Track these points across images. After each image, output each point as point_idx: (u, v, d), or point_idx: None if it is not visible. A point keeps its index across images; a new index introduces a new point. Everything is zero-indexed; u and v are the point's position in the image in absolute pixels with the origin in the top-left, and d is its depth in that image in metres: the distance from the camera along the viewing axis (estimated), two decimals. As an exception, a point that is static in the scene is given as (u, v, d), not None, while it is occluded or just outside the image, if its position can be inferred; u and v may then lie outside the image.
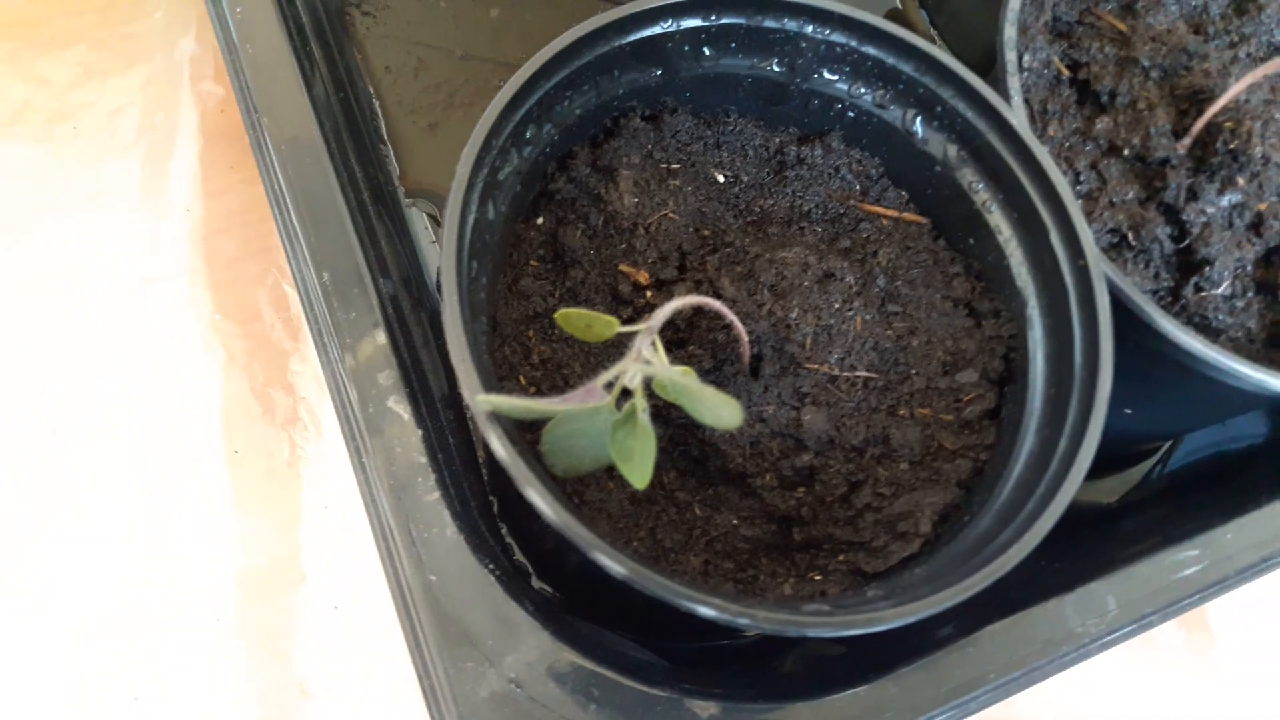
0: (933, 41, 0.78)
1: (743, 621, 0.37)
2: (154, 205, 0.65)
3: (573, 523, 0.37)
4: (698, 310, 0.47)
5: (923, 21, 0.80)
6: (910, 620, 0.38)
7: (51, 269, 0.63)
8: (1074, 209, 0.45)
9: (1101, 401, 0.42)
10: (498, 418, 0.38)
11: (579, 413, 0.39)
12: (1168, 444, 0.67)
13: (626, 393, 0.39)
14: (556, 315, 0.40)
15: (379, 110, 0.70)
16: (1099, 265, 0.44)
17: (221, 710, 0.54)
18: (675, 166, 0.52)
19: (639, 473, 0.38)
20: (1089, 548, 0.55)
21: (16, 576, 0.55)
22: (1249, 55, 0.56)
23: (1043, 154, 0.46)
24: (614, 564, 0.37)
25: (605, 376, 0.39)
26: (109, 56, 0.70)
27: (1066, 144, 0.53)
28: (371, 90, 0.70)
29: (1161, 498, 0.66)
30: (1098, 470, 0.68)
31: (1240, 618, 0.63)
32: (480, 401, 0.37)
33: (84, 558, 0.56)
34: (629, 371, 0.38)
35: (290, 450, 0.60)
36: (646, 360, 0.39)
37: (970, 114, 0.48)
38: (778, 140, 0.53)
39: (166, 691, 0.54)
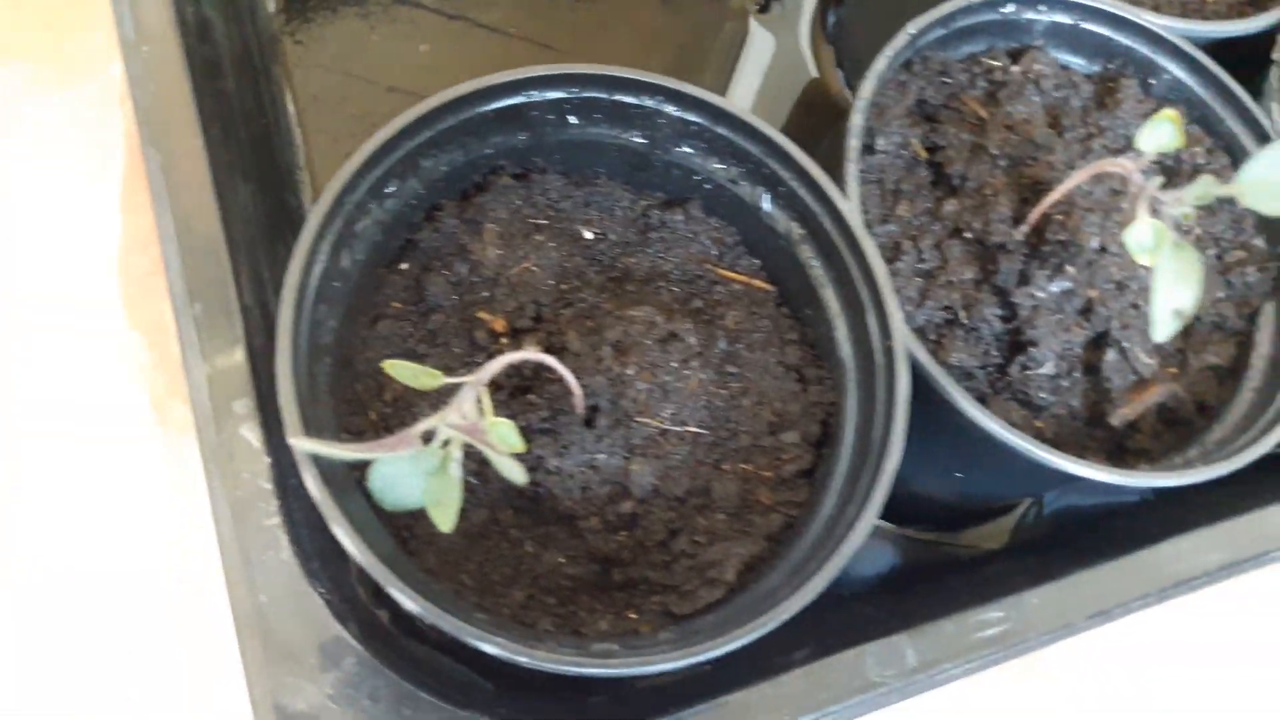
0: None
1: (523, 660, 0.40)
2: (78, 220, 0.69)
3: (373, 561, 0.40)
4: (542, 360, 0.51)
5: (839, 84, 0.83)
6: (682, 664, 0.42)
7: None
8: (888, 294, 0.48)
9: (887, 474, 0.45)
10: (317, 458, 0.41)
11: (400, 457, 0.43)
12: (1028, 502, 0.71)
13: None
14: (384, 365, 0.43)
15: (301, 139, 0.74)
16: (904, 347, 0.47)
17: None
18: (542, 222, 0.55)
19: (444, 519, 0.41)
20: (921, 600, 0.59)
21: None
22: (1104, 147, 0.60)
23: (866, 241, 0.49)
24: (408, 600, 0.40)
25: (420, 427, 0.42)
26: (49, 73, 0.74)
27: (915, 223, 0.56)
28: (295, 118, 0.74)
29: (1011, 553, 0.70)
30: (972, 522, 0.72)
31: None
32: (296, 444, 0.41)
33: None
34: (439, 427, 0.41)
35: (181, 461, 0.63)
36: (463, 416, 0.42)
37: (808, 197, 0.51)
38: (644, 203, 0.56)
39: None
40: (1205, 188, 0.44)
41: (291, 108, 0.75)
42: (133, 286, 0.67)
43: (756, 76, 0.84)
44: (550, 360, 0.46)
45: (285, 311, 0.43)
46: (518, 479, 0.41)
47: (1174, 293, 0.43)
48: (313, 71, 0.77)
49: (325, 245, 0.46)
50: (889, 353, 0.48)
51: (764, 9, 0.88)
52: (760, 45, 0.86)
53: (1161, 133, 0.46)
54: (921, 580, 0.72)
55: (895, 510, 0.69)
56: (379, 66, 0.78)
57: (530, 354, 0.46)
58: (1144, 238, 0.46)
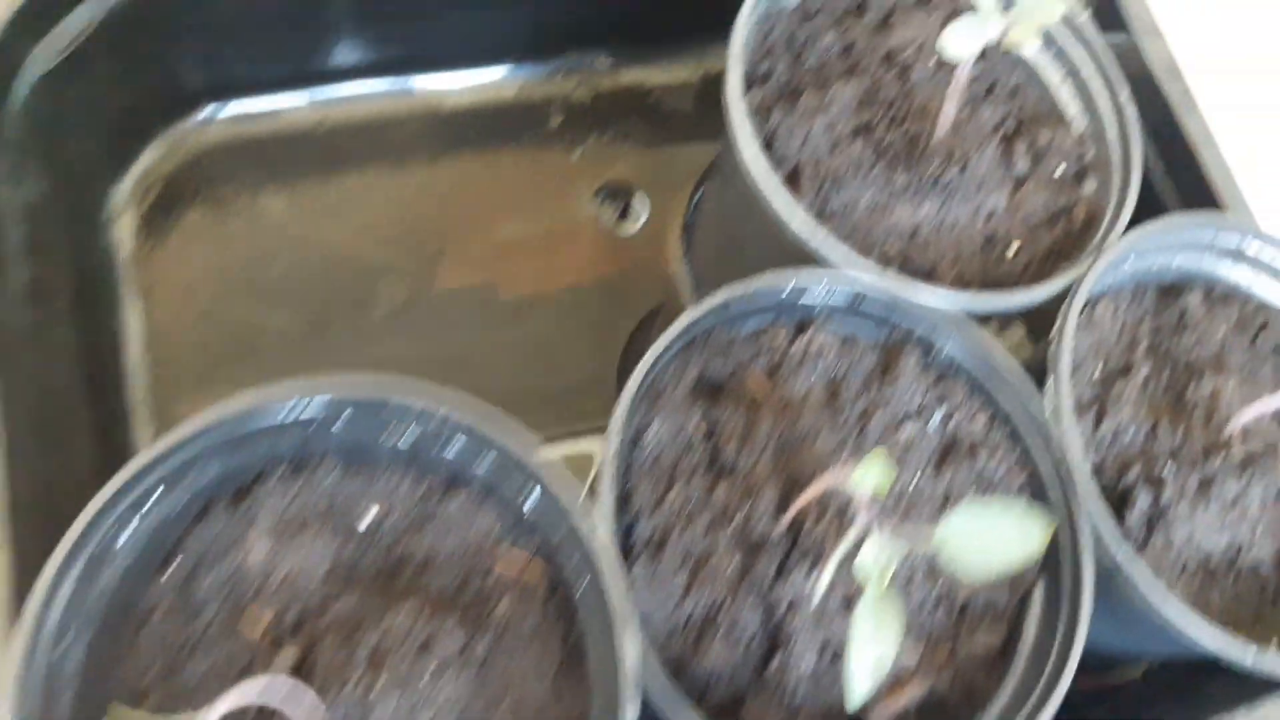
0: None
1: None
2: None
3: None
4: (295, 670, 0.52)
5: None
6: None
7: None
8: (620, 618, 0.50)
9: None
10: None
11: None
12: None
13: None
14: (109, 714, 0.45)
15: (146, 370, 0.76)
16: (638, 673, 0.49)
17: None
18: (318, 514, 0.57)
19: None
20: None
21: None
22: (882, 424, 0.61)
23: (607, 563, 0.51)
24: None
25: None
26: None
27: (686, 509, 0.58)
28: (142, 346, 0.76)
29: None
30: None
31: None
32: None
33: None
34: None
35: None
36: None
37: (555, 510, 0.53)
38: (424, 489, 0.58)
39: None
40: (889, 549, 0.45)
41: (136, 336, 0.77)
42: None
43: (615, 295, 0.86)
44: (276, 700, 0.47)
45: (16, 648, 0.45)
46: None
47: (871, 646, 0.45)
48: (161, 297, 0.79)
49: (74, 568, 0.48)
50: (627, 674, 0.49)
51: (623, 215, 0.90)
52: (620, 259, 0.88)
53: (873, 474, 0.47)
54: None
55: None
56: (230, 297, 0.80)
57: (255, 689, 0.46)
58: (864, 566, 0.47)
